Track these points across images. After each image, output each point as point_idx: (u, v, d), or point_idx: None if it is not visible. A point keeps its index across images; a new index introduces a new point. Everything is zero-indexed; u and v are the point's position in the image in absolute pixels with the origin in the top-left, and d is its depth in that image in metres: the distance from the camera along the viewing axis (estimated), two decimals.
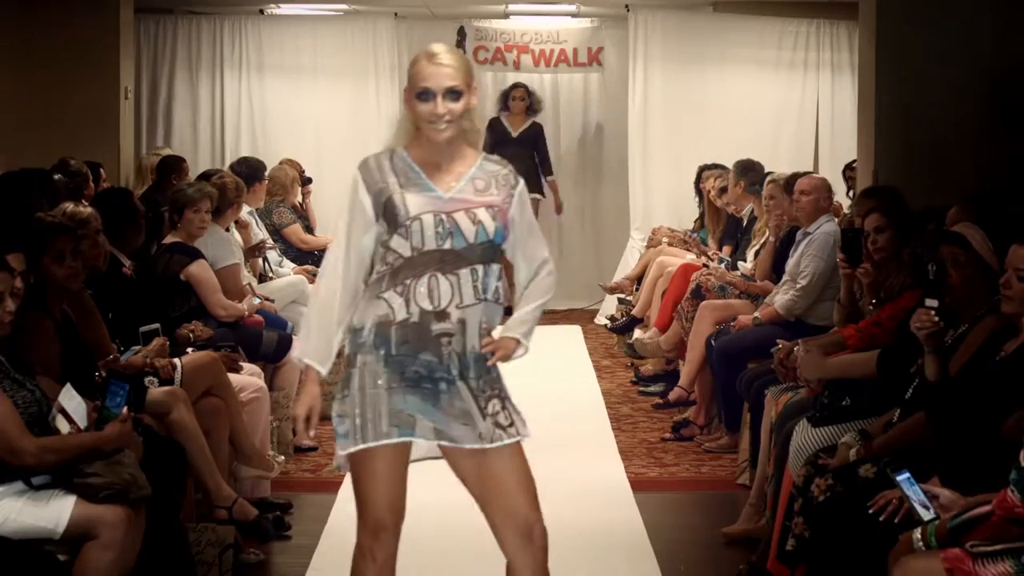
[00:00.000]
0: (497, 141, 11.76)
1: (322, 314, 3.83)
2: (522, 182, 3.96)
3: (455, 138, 3.85)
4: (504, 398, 3.85)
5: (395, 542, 3.87)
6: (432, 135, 3.81)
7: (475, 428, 3.78)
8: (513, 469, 3.83)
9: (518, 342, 3.89)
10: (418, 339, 3.77)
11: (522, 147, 11.90)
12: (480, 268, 3.80)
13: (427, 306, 3.76)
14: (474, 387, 3.79)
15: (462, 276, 3.78)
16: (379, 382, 3.77)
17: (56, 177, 7.41)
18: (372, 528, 3.84)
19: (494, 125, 11.98)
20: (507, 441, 3.80)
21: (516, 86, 12.23)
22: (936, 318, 4.54)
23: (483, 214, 3.81)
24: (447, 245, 3.78)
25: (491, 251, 3.84)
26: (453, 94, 3.78)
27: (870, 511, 4.18)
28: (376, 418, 3.77)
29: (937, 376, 4.52)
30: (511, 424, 3.82)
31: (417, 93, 3.79)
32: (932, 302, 4.58)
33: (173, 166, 9.51)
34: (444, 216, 3.78)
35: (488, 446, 3.78)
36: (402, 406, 3.76)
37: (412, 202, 3.78)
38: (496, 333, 3.88)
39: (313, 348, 3.83)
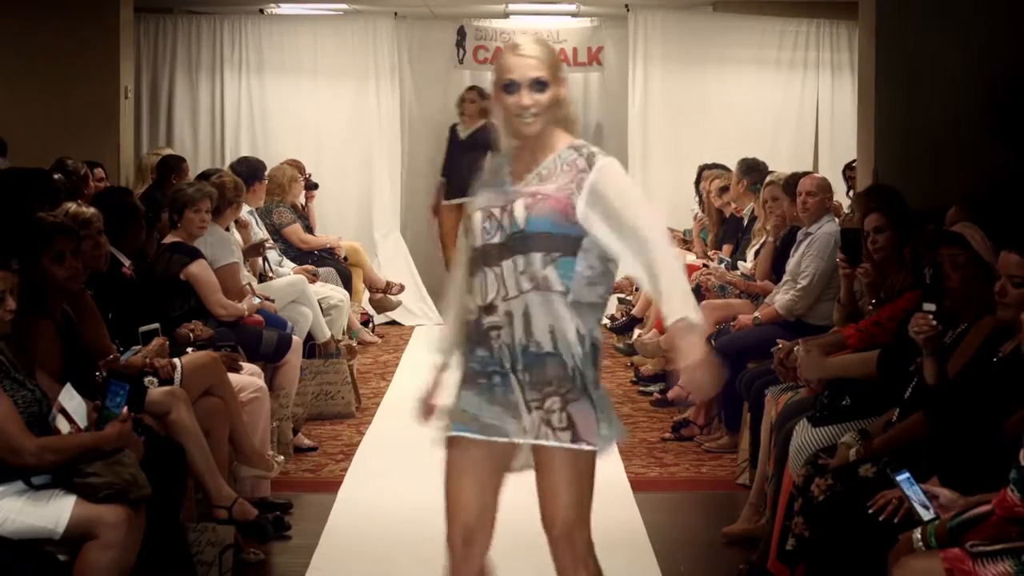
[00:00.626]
0: (450, 147, 11.76)
1: (444, 309, 4.00)
2: (600, 164, 3.73)
3: (545, 129, 3.79)
4: (570, 400, 3.70)
5: (482, 555, 3.81)
6: (520, 128, 3.76)
7: (520, 421, 3.72)
8: (555, 473, 3.73)
9: (693, 326, 3.67)
10: (476, 335, 3.79)
11: (473, 150, 11.07)
12: (521, 259, 3.73)
13: (478, 301, 3.78)
14: (523, 379, 3.72)
15: (504, 268, 3.75)
16: (456, 379, 3.85)
17: (56, 177, 7.40)
18: (453, 534, 3.79)
19: (452, 129, 11.96)
20: (552, 443, 3.69)
21: (469, 88, 12.10)
22: (934, 322, 4.54)
23: (518, 204, 3.75)
24: (495, 240, 3.76)
25: (524, 242, 3.73)
26: (539, 85, 3.73)
27: (870, 511, 4.19)
28: (452, 411, 3.82)
29: (936, 379, 4.52)
30: (566, 428, 3.69)
31: (503, 85, 3.76)
32: (930, 306, 4.59)
33: (173, 166, 9.51)
34: (493, 211, 3.77)
35: (532, 441, 3.72)
36: (463, 404, 3.79)
37: (476, 201, 3.83)
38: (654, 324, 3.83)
39: (438, 339, 3.97)
